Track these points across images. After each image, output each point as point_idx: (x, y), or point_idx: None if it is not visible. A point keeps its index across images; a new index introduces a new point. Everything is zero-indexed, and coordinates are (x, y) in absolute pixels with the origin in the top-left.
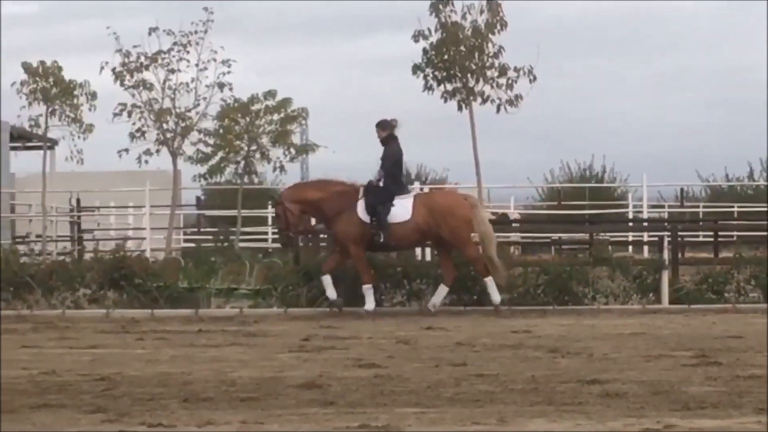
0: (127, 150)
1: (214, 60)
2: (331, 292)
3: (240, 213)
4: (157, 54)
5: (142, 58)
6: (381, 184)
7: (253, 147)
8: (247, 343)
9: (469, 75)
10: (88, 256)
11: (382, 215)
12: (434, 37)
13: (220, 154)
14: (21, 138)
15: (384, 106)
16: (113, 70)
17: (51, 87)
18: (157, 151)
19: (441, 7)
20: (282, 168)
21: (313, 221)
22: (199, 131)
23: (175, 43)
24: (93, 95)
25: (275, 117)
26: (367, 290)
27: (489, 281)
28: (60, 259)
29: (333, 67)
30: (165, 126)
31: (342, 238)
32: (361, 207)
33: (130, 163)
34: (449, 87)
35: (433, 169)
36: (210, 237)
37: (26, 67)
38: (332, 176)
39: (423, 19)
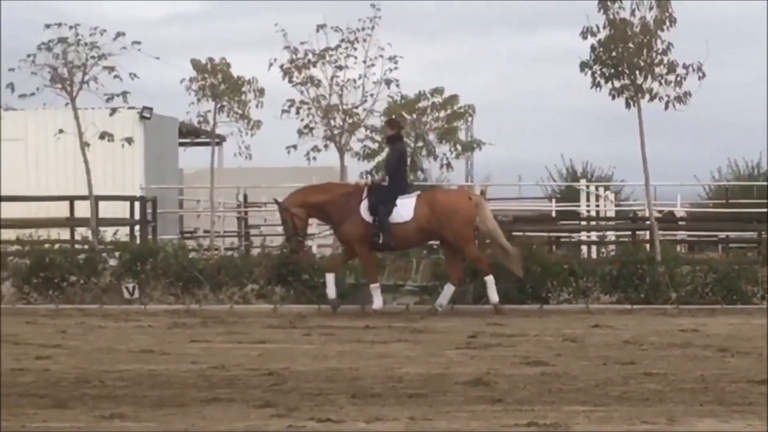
0: (295, 146)
1: (381, 56)
2: (332, 291)
3: None
4: (324, 51)
5: (310, 55)
6: (385, 183)
7: (420, 143)
8: (414, 339)
9: (637, 72)
10: (255, 251)
11: (383, 215)
12: (602, 34)
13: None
14: (189, 134)
15: (549, 104)
16: (281, 66)
17: (219, 84)
18: (325, 147)
19: (609, 3)
20: (449, 165)
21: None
22: (366, 128)
23: (342, 40)
24: (261, 92)
25: (441, 114)
26: (374, 289)
27: (489, 280)
28: (228, 255)
29: (498, 63)
30: (332, 122)
31: (346, 238)
32: (364, 207)
33: (298, 159)
34: (617, 84)
35: (599, 167)
36: None
37: (195, 64)
38: (494, 174)
39: (591, 15)
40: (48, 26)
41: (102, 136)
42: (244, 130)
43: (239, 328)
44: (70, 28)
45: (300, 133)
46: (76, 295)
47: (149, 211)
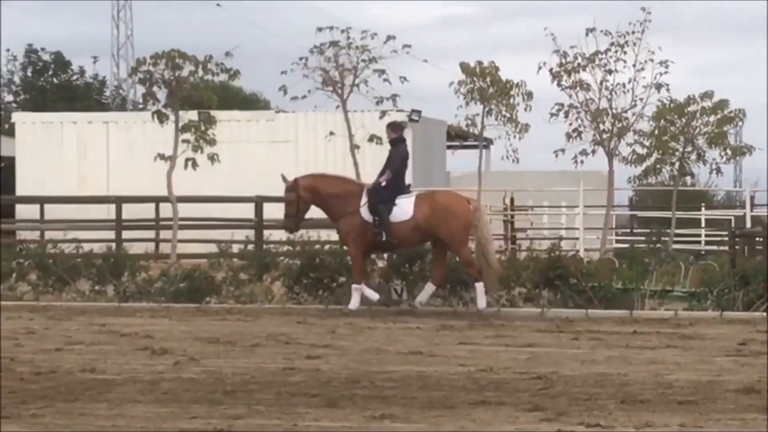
0: (563, 150)
1: (651, 60)
2: (372, 294)
3: (674, 214)
4: (594, 54)
5: (580, 59)
6: (384, 183)
7: (689, 148)
8: (683, 345)
9: None
10: (522, 255)
11: (383, 214)
12: None
13: (655, 155)
14: (458, 137)
15: None
16: (550, 70)
17: (488, 87)
18: (593, 151)
19: None
20: (718, 170)
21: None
22: (635, 132)
23: (612, 44)
24: (529, 95)
25: (711, 118)
26: (356, 289)
27: (479, 287)
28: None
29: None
30: (601, 126)
31: (344, 236)
32: (365, 208)
33: (565, 163)
34: None
35: None
36: (643, 238)
37: (464, 67)
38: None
39: None
40: (320, 30)
41: (371, 138)
42: (512, 133)
43: (507, 332)
44: (342, 31)
45: (568, 136)
46: (345, 296)
47: None
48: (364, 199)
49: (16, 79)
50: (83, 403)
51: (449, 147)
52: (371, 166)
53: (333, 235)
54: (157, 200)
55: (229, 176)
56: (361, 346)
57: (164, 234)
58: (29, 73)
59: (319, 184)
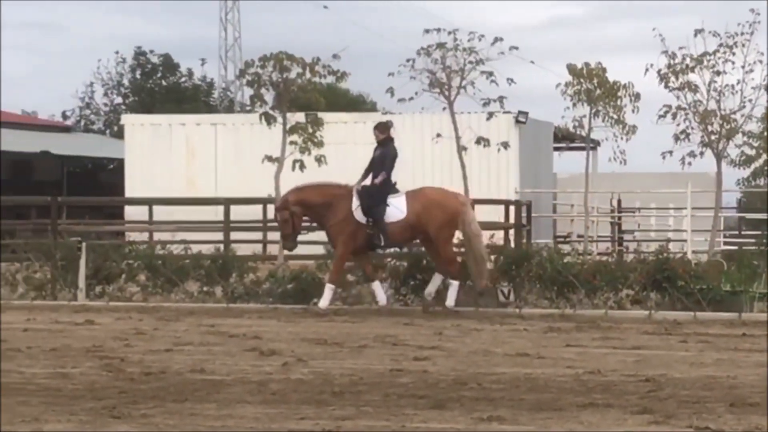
0: (671, 152)
1: (760, 62)
2: (381, 297)
3: None
4: (702, 56)
5: (688, 60)
6: (377, 182)
7: None
8: None
9: None
10: (629, 257)
11: (379, 216)
12: None
13: (764, 156)
14: (565, 138)
15: None
16: (658, 71)
17: (595, 88)
18: (701, 153)
19: None
20: None
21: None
22: (744, 134)
23: (720, 45)
24: (637, 96)
25: None
26: (329, 289)
27: (453, 285)
28: (602, 260)
29: None
30: (710, 128)
31: (334, 236)
32: (358, 210)
33: (673, 165)
34: None
35: None
36: (752, 240)
37: (571, 68)
38: None
39: None
40: (427, 31)
41: (478, 140)
42: (619, 135)
43: (614, 334)
44: (449, 33)
45: (676, 138)
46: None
47: (524, 215)
48: (355, 202)
49: (126, 82)
50: (193, 403)
51: (556, 148)
52: (478, 167)
53: None
54: (264, 202)
55: (336, 178)
56: (469, 348)
57: (272, 235)
58: (138, 75)
59: (307, 196)
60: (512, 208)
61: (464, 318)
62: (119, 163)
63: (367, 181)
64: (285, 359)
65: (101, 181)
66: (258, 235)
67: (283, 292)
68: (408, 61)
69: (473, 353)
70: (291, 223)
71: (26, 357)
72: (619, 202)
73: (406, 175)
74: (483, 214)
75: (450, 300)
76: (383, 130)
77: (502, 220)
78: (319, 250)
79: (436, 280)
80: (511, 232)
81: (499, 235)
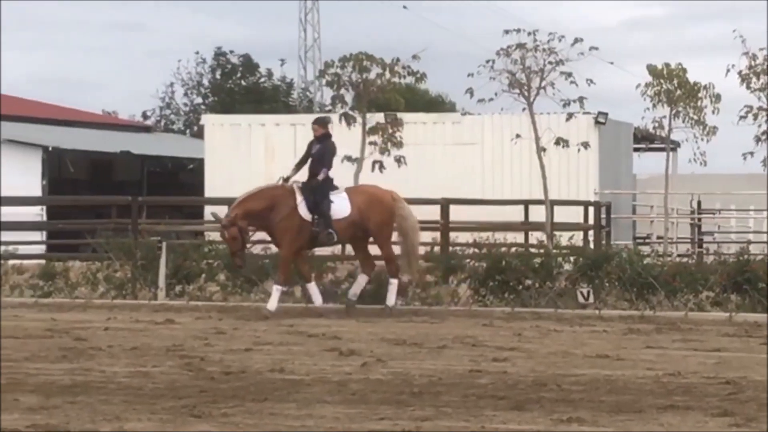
0: (752, 153)
1: None
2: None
3: None
4: None
5: None
6: (320, 178)
7: None
8: None
9: None
10: (709, 258)
11: (326, 211)
12: None
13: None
14: (644, 139)
15: None
16: (739, 72)
17: (675, 89)
18: None
19: None
20: None
21: None
22: None
23: None
24: (717, 97)
25: None
26: (276, 290)
27: (393, 284)
28: (682, 261)
29: None
30: None
31: (280, 236)
32: (302, 206)
33: (754, 166)
34: None
35: None
36: None
37: (651, 69)
38: None
39: None
40: (507, 32)
41: (558, 141)
42: (700, 136)
43: (694, 336)
44: (529, 34)
45: (757, 139)
46: (531, 299)
47: (603, 216)
48: (299, 198)
49: (205, 82)
50: (272, 403)
51: (636, 149)
52: (557, 168)
53: (519, 238)
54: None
55: (415, 178)
56: (548, 349)
57: None
58: (218, 76)
59: (249, 206)
60: (591, 209)
61: (543, 319)
62: (199, 163)
63: (301, 177)
64: (364, 359)
65: (181, 180)
66: None
67: (362, 292)
68: (488, 61)
69: (552, 354)
70: (241, 240)
71: (107, 356)
72: (699, 203)
73: (486, 177)
74: (562, 215)
75: (390, 299)
76: (323, 125)
77: (581, 221)
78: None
79: (361, 281)
80: (591, 233)
81: (579, 236)
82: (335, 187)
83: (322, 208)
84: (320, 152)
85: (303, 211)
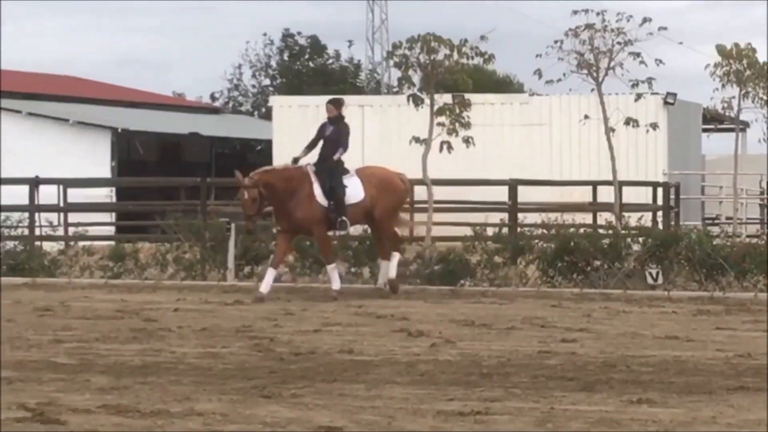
0: None
1: None
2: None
3: None
4: None
5: None
6: (335, 158)
7: None
8: None
9: None
10: None
11: (341, 197)
12: None
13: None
14: (713, 120)
15: None
16: None
17: (744, 69)
18: None
19: None
20: None
21: None
22: None
23: None
24: None
25: None
26: (332, 270)
27: (395, 257)
28: (751, 242)
29: None
30: None
31: (304, 222)
32: (318, 191)
33: None
34: None
35: None
36: None
37: (720, 49)
38: None
39: None
40: (575, 12)
41: (627, 122)
42: None
43: (764, 317)
44: (597, 14)
45: None
46: (600, 280)
47: (672, 196)
48: (315, 182)
49: (273, 63)
50: (342, 383)
51: (705, 130)
52: (626, 149)
53: (587, 219)
54: (412, 183)
55: (483, 159)
56: (617, 330)
57: (419, 216)
58: (286, 57)
59: (271, 179)
60: (660, 190)
61: (612, 300)
62: (267, 145)
63: (311, 159)
64: (433, 340)
65: (249, 162)
66: (406, 216)
67: (431, 273)
68: (556, 42)
69: (622, 335)
70: (258, 204)
71: (177, 337)
72: None
73: (555, 158)
74: (630, 195)
75: (392, 271)
76: (338, 106)
77: (650, 201)
78: (467, 231)
79: (394, 261)
80: (659, 213)
81: (647, 217)
82: (347, 171)
83: (338, 194)
84: (335, 134)
85: (319, 196)
